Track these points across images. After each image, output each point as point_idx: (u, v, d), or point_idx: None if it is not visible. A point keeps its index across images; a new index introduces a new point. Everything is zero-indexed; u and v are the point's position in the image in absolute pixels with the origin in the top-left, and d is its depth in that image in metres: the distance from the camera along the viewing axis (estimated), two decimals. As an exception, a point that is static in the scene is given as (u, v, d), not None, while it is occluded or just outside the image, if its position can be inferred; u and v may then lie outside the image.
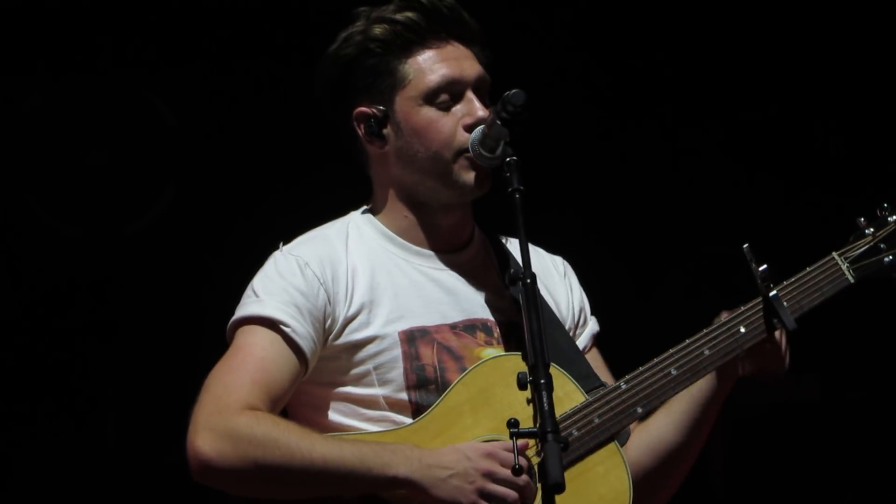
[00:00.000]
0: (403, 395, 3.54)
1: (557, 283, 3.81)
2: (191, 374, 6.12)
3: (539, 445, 3.17)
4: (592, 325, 3.83)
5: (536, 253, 3.80)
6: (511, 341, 3.60)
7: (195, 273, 6.22)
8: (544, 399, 3.15)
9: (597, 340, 3.84)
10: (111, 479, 6.17)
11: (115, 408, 6.29)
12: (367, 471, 3.34)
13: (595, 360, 3.77)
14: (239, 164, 6.23)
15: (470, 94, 3.62)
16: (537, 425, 3.17)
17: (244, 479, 3.38)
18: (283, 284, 3.56)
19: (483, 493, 3.31)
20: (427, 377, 3.55)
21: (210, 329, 6.03)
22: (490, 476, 3.32)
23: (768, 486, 6.57)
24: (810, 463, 6.55)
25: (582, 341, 3.79)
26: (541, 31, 6.27)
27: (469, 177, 3.60)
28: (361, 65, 3.65)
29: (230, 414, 3.39)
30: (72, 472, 6.17)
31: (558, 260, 3.87)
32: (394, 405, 3.54)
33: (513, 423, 3.29)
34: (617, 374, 3.69)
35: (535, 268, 3.60)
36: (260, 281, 3.60)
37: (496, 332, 3.62)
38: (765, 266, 3.58)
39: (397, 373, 3.54)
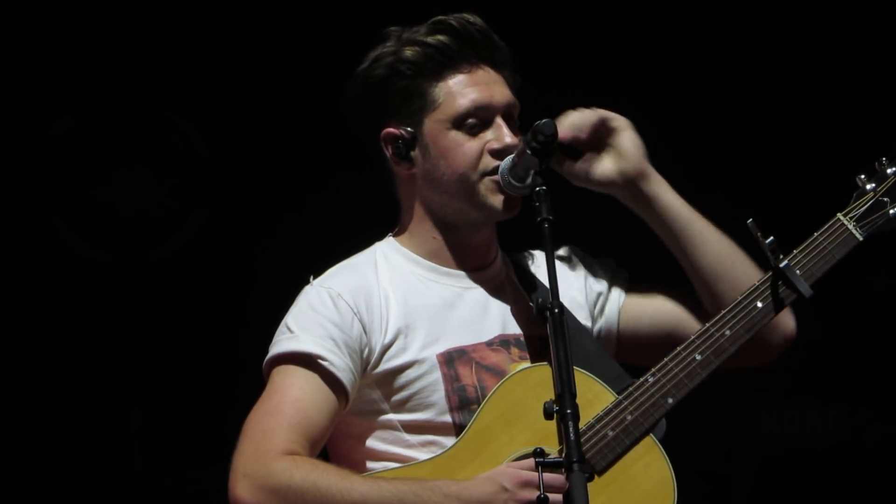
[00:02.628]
0: (447, 418, 3.54)
1: (569, 278, 3.80)
2: (218, 398, 6.19)
3: (565, 475, 3.16)
4: (622, 274, 3.83)
5: (542, 259, 3.80)
6: (544, 354, 3.57)
7: (223, 297, 6.23)
8: (570, 429, 3.14)
9: (631, 283, 3.83)
10: (136, 499, 6.18)
11: (140, 431, 6.30)
12: None
13: (646, 292, 3.79)
14: (267, 187, 6.25)
15: (499, 121, 3.63)
16: (563, 455, 3.16)
17: None
18: (318, 318, 3.55)
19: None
20: (469, 397, 3.55)
21: (237, 352, 6.10)
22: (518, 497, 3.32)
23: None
24: (835, 497, 6.53)
25: (616, 293, 3.79)
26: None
27: (497, 199, 3.61)
28: (391, 86, 3.66)
29: (268, 460, 3.39)
30: (97, 495, 6.18)
31: (563, 252, 3.85)
32: (437, 429, 3.54)
33: (539, 453, 3.29)
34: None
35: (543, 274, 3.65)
36: (293, 317, 3.59)
37: (529, 346, 3.63)
38: (771, 238, 3.56)
39: (439, 396, 3.54)
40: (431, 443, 3.53)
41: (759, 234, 3.56)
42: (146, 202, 6.37)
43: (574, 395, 3.18)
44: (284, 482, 3.37)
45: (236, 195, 6.30)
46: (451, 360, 3.58)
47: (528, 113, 3.66)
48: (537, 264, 3.80)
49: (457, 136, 3.63)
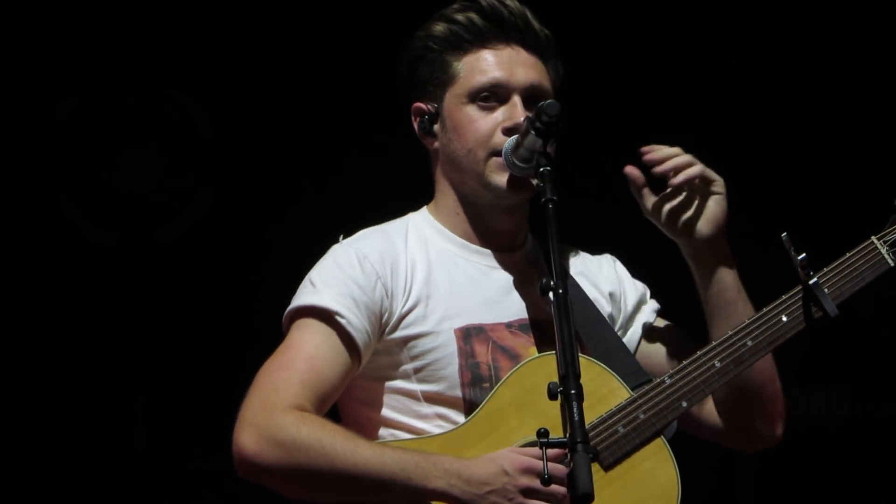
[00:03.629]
0: (457, 392, 3.55)
1: (603, 280, 3.81)
2: (224, 381, 6.19)
3: (569, 456, 3.17)
4: (652, 304, 3.83)
5: (580, 256, 3.84)
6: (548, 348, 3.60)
7: (229, 278, 6.24)
8: (574, 409, 3.14)
9: (662, 314, 3.83)
10: (140, 484, 6.19)
11: (144, 413, 6.31)
12: (407, 480, 3.35)
13: (668, 331, 3.79)
14: (272, 166, 6.25)
15: (515, 99, 3.63)
16: (567, 435, 3.15)
17: (284, 479, 3.40)
18: (342, 276, 3.57)
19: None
20: (482, 375, 3.57)
21: (243, 334, 6.11)
22: (529, 492, 3.32)
23: (798, 501, 6.55)
24: (839, 478, 6.53)
25: (642, 319, 3.80)
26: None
27: (501, 179, 3.61)
28: (422, 61, 3.71)
29: (276, 413, 3.40)
30: (100, 477, 6.19)
31: (605, 258, 3.88)
32: (448, 402, 3.55)
33: (543, 433, 3.29)
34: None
35: (579, 269, 3.73)
36: (318, 272, 3.61)
37: (551, 331, 3.63)
38: (804, 254, 3.56)
39: (452, 369, 3.56)
40: (441, 416, 3.54)
41: (791, 248, 3.55)
42: (152, 183, 6.37)
43: (578, 376, 3.17)
44: (290, 436, 3.37)
45: (241, 175, 6.30)
46: (468, 335, 3.59)
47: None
48: (572, 257, 3.82)
49: (471, 111, 3.65)
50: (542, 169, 3.43)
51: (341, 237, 3.68)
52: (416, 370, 3.57)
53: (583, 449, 3.09)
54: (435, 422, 3.54)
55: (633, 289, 3.84)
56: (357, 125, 6.09)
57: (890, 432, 6.53)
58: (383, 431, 3.58)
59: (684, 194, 3.67)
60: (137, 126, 6.34)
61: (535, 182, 3.47)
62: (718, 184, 3.67)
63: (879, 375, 6.55)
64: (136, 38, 6.19)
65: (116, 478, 6.19)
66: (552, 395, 3.19)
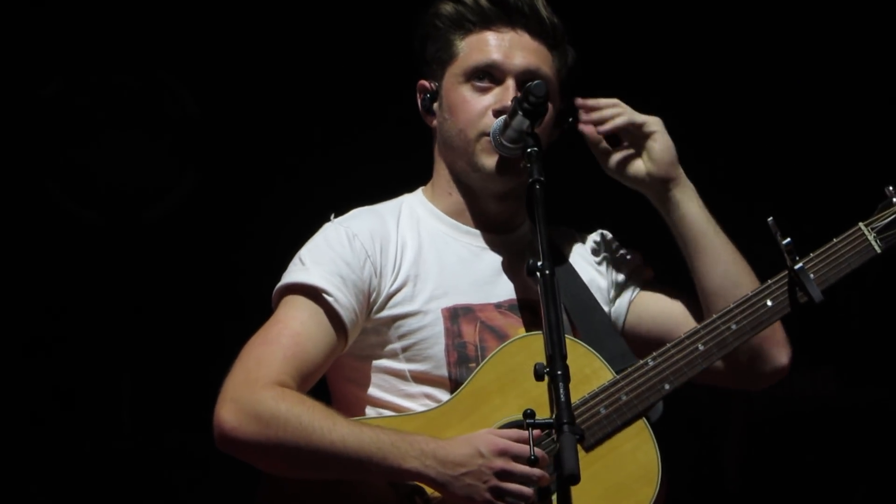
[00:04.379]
0: (444, 372, 3.56)
1: (593, 260, 3.82)
2: (209, 361, 6.17)
3: (555, 436, 3.17)
4: (643, 273, 3.86)
5: (576, 237, 3.84)
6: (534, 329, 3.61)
7: (215, 259, 6.23)
8: (561, 390, 3.14)
9: (655, 281, 3.85)
10: (125, 462, 6.19)
11: (130, 394, 6.30)
12: (383, 459, 3.36)
13: (659, 300, 3.81)
14: (260, 147, 6.24)
15: (509, 82, 3.64)
16: (553, 416, 3.16)
17: (262, 454, 3.40)
18: (331, 255, 3.58)
19: (497, 492, 3.31)
20: (468, 355, 3.58)
21: (228, 315, 6.10)
22: (504, 474, 3.32)
23: (783, 479, 6.57)
24: (824, 456, 6.55)
25: (631, 289, 3.82)
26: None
27: (490, 161, 3.61)
28: (429, 39, 3.74)
29: (257, 388, 3.41)
30: (87, 458, 6.18)
31: (594, 236, 3.89)
32: (434, 381, 3.57)
33: (529, 414, 3.29)
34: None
35: (577, 251, 3.76)
36: (308, 250, 3.63)
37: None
38: (789, 239, 3.56)
39: (438, 349, 3.57)
40: (428, 395, 3.55)
41: (777, 233, 3.55)
42: (138, 163, 6.35)
43: (565, 357, 3.18)
44: (269, 410, 3.37)
45: (229, 156, 6.28)
46: (455, 315, 3.59)
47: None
48: (568, 240, 3.83)
49: (465, 91, 3.67)
50: (529, 150, 3.44)
51: (332, 216, 3.68)
52: (404, 349, 3.58)
53: (569, 430, 3.10)
54: (422, 401, 3.55)
55: (623, 259, 3.84)
56: (346, 104, 6.08)
57: (875, 413, 6.54)
58: (370, 411, 3.59)
59: (626, 143, 3.71)
60: (123, 106, 6.31)
61: (522, 164, 3.47)
62: (651, 123, 3.70)
63: (865, 356, 6.56)
64: (122, 18, 6.16)
65: (102, 457, 6.18)
66: (539, 376, 3.20)
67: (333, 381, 3.64)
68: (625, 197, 3.88)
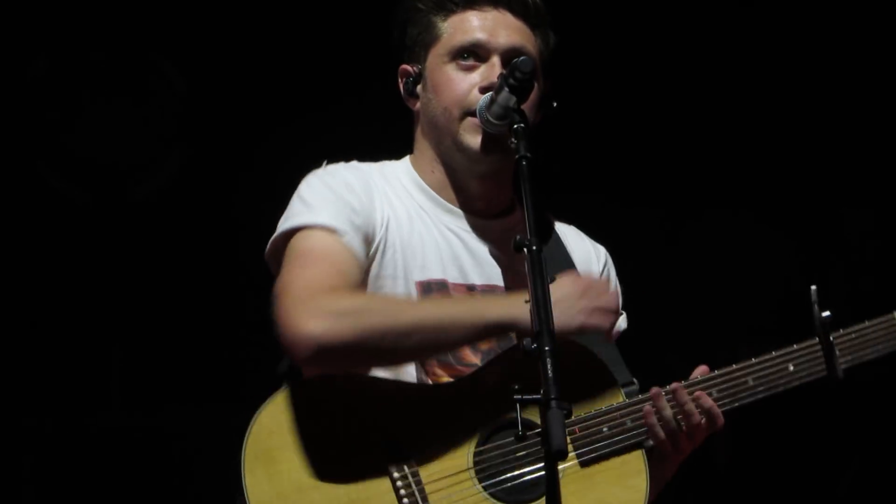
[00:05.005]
0: None
1: (595, 270, 3.81)
2: (199, 336, 6.19)
3: (542, 413, 3.16)
4: (621, 322, 3.79)
5: (579, 236, 3.84)
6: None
7: (204, 235, 6.23)
8: (548, 366, 3.13)
9: (619, 337, 3.81)
10: (115, 438, 6.19)
11: (120, 368, 6.31)
12: (477, 315, 3.40)
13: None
14: (248, 123, 6.23)
15: (495, 60, 3.62)
16: (541, 392, 3.14)
17: (360, 348, 3.38)
18: (334, 198, 3.55)
19: (588, 310, 3.39)
20: None
21: (218, 289, 6.10)
22: (589, 290, 3.39)
23: (772, 456, 6.58)
24: (812, 434, 6.56)
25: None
26: None
27: (475, 140, 3.60)
28: (410, 23, 3.71)
29: (324, 295, 3.38)
30: (76, 432, 6.19)
31: (601, 250, 3.87)
32: None
33: (517, 390, 3.28)
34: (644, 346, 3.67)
35: (576, 251, 3.72)
36: (308, 193, 3.58)
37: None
38: (828, 312, 3.56)
39: None
40: None
41: (816, 303, 3.54)
42: (126, 141, 6.34)
43: (552, 333, 3.16)
44: (349, 307, 3.37)
45: (217, 132, 6.28)
46: (428, 289, 3.59)
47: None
48: (562, 235, 3.81)
49: (450, 70, 3.65)
50: (515, 126, 3.42)
51: (325, 162, 3.66)
52: None
53: (556, 405, 3.08)
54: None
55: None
56: (333, 80, 6.07)
57: (864, 389, 6.55)
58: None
59: None
60: (110, 84, 6.30)
61: (511, 142, 3.44)
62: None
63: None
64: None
65: (92, 430, 6.18)
66: (526, 352, 3.18)
67: None
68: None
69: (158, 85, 6.33)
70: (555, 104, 3.67)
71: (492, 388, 3.47)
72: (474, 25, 3.64)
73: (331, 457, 3.40)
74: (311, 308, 3.36)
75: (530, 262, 3.22)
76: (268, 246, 3.59)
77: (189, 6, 6.17)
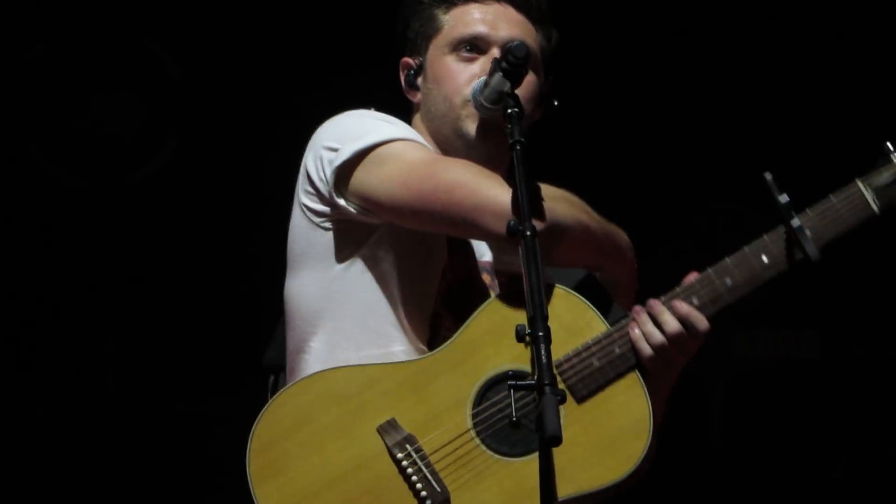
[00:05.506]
0: (431, 300, 3.57)
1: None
2: (193, 325, 6.18)
3: (537, 398, 3.16)
4: None
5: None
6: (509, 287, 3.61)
7: (198, 222, 6.23)
8: (542, 352, 3.12)
9: None
10: (110, 429, 6.19)
11: (114, 358, 6.31)
12: (620, 238, 3.56)
13: None
14: (242, 110, 6.23)
15: (495, 52, 3.63)
16: (535, 377, 3.12)
17: (586, 230, 3.48)
18: (401, 124, 3.57)
19: None
20: (457, 289, 3.60)
21: (211, 278, 6.10)
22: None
23: (766, 441, 6.60)
24: (808, 418, 6.57)
25: None
26: None
27: (472, 127, 3.61)
28: (413, 17, 3.72)
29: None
30: (71, 422, 6.19)
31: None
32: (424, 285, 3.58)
33: (511, 376, 3.31)
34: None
35: None
36: (380, 115, 3.58)
37: (507, 281, 3.65)
38: (787, 196, 3.52)
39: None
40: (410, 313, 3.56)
41: (775, 189, 3.52)
42: (121, 128, 6.34)
43: (546, 318, 3.15)
44: (565, 196, 3.46)
45: (211, 119, 6.27)
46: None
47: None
48: None
49: (451, 62, 3.66)
50: (509, 110, 3.42)
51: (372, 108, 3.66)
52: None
53: (551, 391, 3.07)
54: (396, 327, 3.56)
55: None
56: (327, 68, 6.07)
57: (859, 373, 6.57)
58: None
59: None
60: (105, 71, 6.30)
61: (504, 126, 3.44)
62: None
63: (849, 317, 6.58)
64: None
65: (86, 421, 6.19)
66: (520, 338, 3.17)
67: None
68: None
69: (153, 71, 6.33)
70: (556, 102, 3.67)
71: (474, 347, 3.47)
72: (476, 18, 3.66)
73: (333, 454, 3.40)
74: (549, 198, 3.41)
75: (524, 248, 3.22)
76: (343, 158, 3.49)
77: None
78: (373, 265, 3.56)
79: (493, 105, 3.50)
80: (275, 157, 5.96)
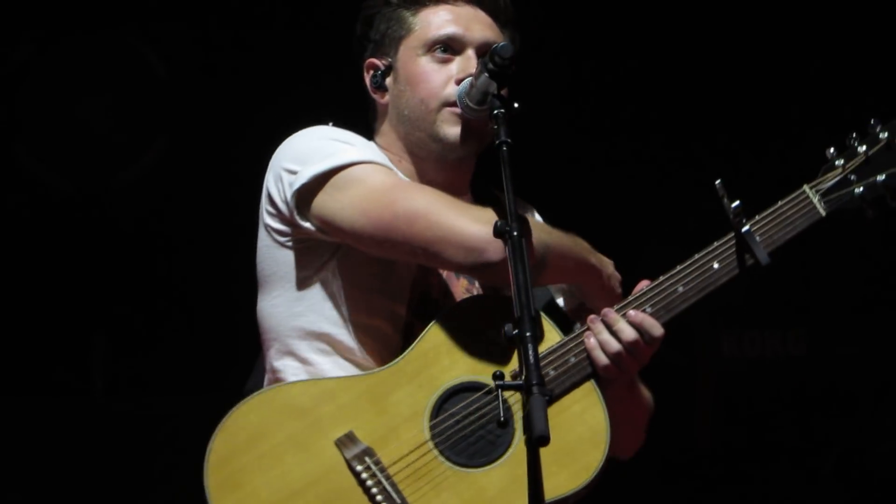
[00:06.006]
0: (402, 311, 3.55)
1: None
2: (181, 324, 6.18)
3: (524, 398, 3.16)
4: None
5: (530, 211, 3.83)
6: (489, 290, 3.61)
7: (186, 223, 6.23)
8: (529, 351, 3.12)
9: None
10: (97, 430, 6.19)
11: (102, 356, 6.30)
12: (586, 253, 3.55)
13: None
14: (229, 111, 6.23)
15: (470, 53, 3.62)
16: (522, 377, 3.13)
17: (550, 253, 3.47)
18: (368, 145, 3.56)
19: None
20: (432, 297, 3.58)
21: (199, 278, 6.10)
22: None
23: (754, 439, 6.61)
24: (796, 417, 6.59)
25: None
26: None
27: (453, 131, 3.59)
28: (379, 17, 3.69)
29: (478, 209, 3.43)
30: (58, 420, 6.18)
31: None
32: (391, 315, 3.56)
33: (498, 376, 3.29)
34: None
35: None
36: (340, 135, 3.56)
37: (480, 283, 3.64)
38: (737, 202, 3.54)
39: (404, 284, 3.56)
40: (373, 327, 3.55)
41: (725, 195, 3.54)
42: (108, 129, 6.33)
43: (533, 318, 3.16)
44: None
45: (199, 119, 6.27)
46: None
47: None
48: (527, 214, 3.80)
49: (426, 63, 3.63)
50: (496, 111, 3.42)
51: (330, 123, 3.65)
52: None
53: (538, 391, 3.08)
54: (370, 331, 3.55)
55: None
56: (319, 65, 6.07)
57: (846, 373, 6.58)
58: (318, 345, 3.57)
59: None
60: (92, 71, 6.29)
61: (490, 126, 3.44)
62: None
63: (836, 316, 6.59)
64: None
65: (73, 418, 6.18)
66: (508, 338, 3.17)
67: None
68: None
69: (140, 72, 6.32)
70: (516, 105, 3.63)
71: (430, 358, 3.46)
72: (448, 19, 3.64)
73: (291, 468, 3.40)
74: (486, 216, 3.39)
75: (511, 249, 3.22)
76: (301, 182, 3.48)
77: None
78: (339, 281, 3.55)
79: (479, 106, 3.50)
80: (265, 155, 5.99)
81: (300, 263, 3.57)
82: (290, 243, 3.56)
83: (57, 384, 6.22)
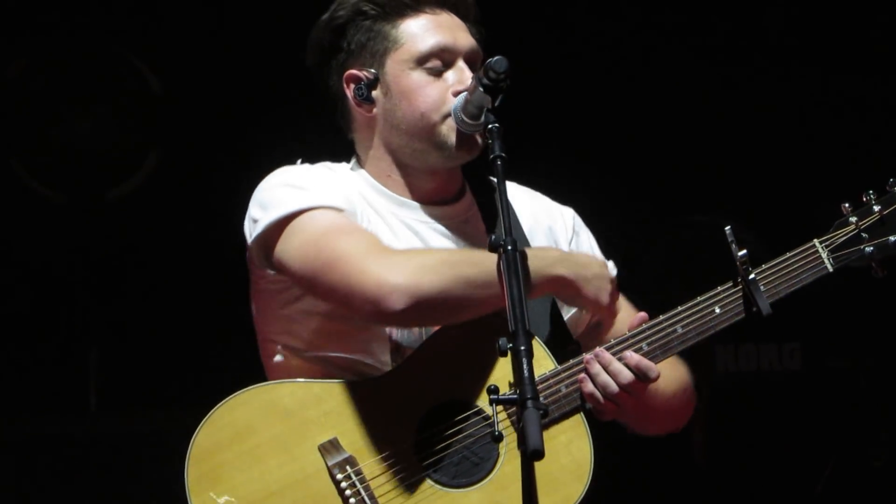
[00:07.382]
0: (384, 331, 3.54)
1: (561, 235, 3.80)
2: (175, 338, 6.17)
3: (518, 412, 3.15)
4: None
5: (542, 203, 3.83)
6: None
7: (180, 236, 6.23)
8: (524, 366, 3.12)
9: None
10: (92, 444, 6.18)
11: (97, 371, 6.30)
12: (546, 269, 3.45)
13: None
14: (223, 124, 6.23)
15: (461, 63, 3.63)
16: (516, 392, 3.12)
17: (450, 297, 3.39)
18: (325, 184, 3.55)
19: (612, 293, 3.50)
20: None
21: (195, 292, 6.10)
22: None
23: (749, 454, 6.60)
24: (791, 431, 6.58)
25: None
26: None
27: (452, 139, 3.60)
28: (354, 28, 3.67)
29: (394, 253, 3.41)
30: (54, 434, 6.17)
31: (567, 212, 3.85)
32: (374, 338, 3.54)
33: (493, 390, 3.26)
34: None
35: (542, 218, 3.73)
36: (297, 180, 3.55)
37: None
38: (744, 251, 3.55)
39: None
40: (363, 350, 3.54)
41: (733, 242, 3.55)
42: (103, 143, 6.34)
43: (528, 333, 3.16)
44: (431, 261, 3.39)
45: (193, 133, 6.27)
46: None
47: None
48: (529, 201, 3.81)
49: (419, 76, 3.63)
50: (490, 126, 3.42)
51: (300, 161, 3.65)
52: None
53: (533, 405, 3.07)
54: (358, 355, 3.54)
55: (587, 245, 3.83)
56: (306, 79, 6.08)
57: (841, 386, 6.58)
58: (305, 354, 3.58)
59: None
60: (87, 86, 6.29)
61: (484, 140, 3.45)
62: None
63: (830, 330, 6.59)
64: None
65: (70, 433, 6.17)
66: (502, 352, 3.17)
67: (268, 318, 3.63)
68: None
69: (134, 86, 6.33)
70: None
71: (422, 375, 3.47)
72: (433, 31, 3.64)
73: (272, 468, 3.41)
74: (392, 263, 3.38)
75: (506, 262, 3.23)
76: (258, 231, 3.52)
77: (165, 8, 6.17)
78: (317, 311, 3.56)
79: (474, 121, 3.51)
80: (258, 169, 6.00)
81: (279, 292, 3.59)
82: (266, 279, 3.59)
83: (51, 399, 6.21)
